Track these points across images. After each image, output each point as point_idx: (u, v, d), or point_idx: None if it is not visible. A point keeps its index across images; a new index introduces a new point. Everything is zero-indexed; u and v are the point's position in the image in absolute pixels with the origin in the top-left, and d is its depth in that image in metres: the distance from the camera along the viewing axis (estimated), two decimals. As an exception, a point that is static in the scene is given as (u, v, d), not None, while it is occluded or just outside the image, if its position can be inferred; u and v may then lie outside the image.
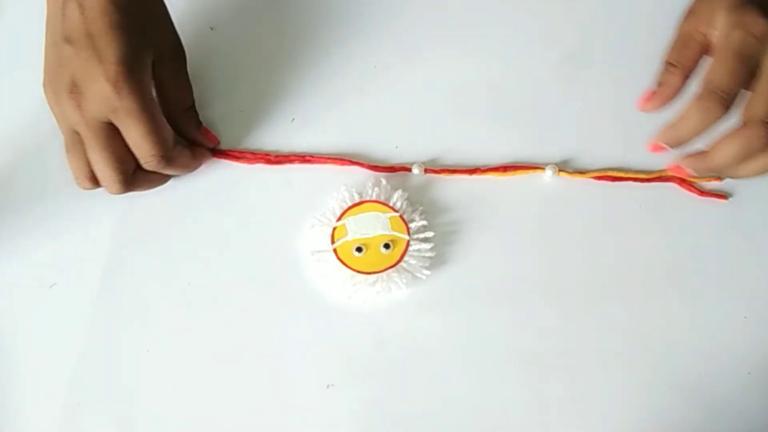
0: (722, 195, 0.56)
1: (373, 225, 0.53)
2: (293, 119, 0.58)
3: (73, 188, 0.56)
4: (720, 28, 0.45)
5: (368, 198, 0.54)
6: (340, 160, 0.56)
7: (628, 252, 0.55)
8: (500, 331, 0.53)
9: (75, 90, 0.48)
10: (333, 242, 0.53)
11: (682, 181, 0.56)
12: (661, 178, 0.56)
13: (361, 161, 0.56)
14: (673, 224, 0.56)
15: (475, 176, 0.56)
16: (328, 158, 0.56)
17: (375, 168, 0.56)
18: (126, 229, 0.55)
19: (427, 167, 0.56)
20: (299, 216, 0.55)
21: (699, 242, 0.55)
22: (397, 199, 0.54)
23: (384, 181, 0.55)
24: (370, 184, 0.55)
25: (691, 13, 0.47)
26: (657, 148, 0.48)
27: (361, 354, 0.52)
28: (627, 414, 0.51)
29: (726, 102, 0.44)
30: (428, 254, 0.54)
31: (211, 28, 0.61)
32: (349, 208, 0.54)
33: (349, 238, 0.53)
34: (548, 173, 0.56)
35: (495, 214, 0.56)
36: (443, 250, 0.55)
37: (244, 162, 0.57)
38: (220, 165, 0.57)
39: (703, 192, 0.56)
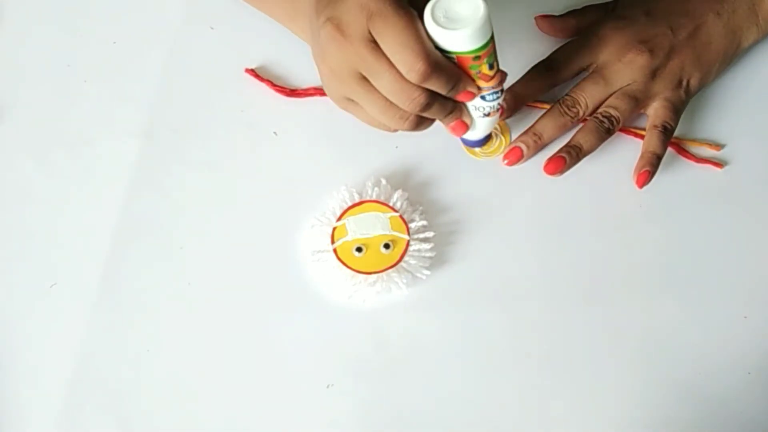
0: (717, 163, 0.57)
1: (373, 225, 0.53)
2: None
3: (73, 188, 0.56)
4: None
5: (368, 198, 0.54)
6: None
7: (627, 251, 0.55)
8: (500, 330, 0.53)
9: (332, 18, 0.44)
10: (333, 242, 0.53)
11: (679, 148, 0.57)
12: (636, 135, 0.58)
13: None
14: (672, 215, 0.56)
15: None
16: None
17: None
18: (126, 229, 0.55)
19: None
20: (299, 216, 0.55)
21: (696, 229, 0.56)
22: (397, 199, 0.54)
23: (384, 181, 0.55)
24: (370, 184, 0.55)
25: None
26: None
27: (360, 354, 0.52)
28: (627, 413, 0.51)
29: (552, 69, 0.57)
30: (428, 254, 0.54)
31: (211, 28, 0.61)
32: (349, 208, 0.54)
33: (349, 238, 0.53)
34: None
35: (495, 214, 0.56)
36: (443, 250, 0.55)
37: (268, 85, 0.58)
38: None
39: (699, 159, 0.57)
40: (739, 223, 0.56)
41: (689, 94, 0.56)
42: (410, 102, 0.45)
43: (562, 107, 0.56)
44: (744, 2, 0.57)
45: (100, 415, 0.51)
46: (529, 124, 0.57)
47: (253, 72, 0.59)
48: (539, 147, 0.56)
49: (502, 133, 0.57)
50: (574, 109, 0.55)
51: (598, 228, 0.56)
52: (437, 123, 0.49)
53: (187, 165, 0.57)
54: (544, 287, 0.54)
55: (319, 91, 0.58)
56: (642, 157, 0.55)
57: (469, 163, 0.57)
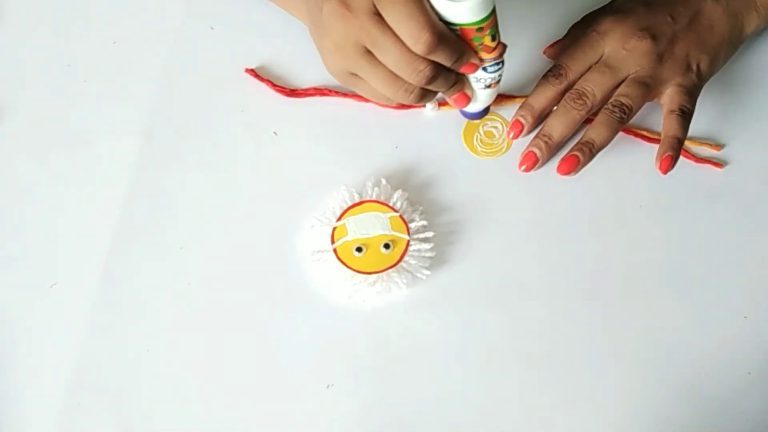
0: (717, 163, 0.57)
1: (373, 225, 0.53)
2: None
3: (73, 188, 0.56)
4: None
5: (368, 198, 0.54)
6: (357, 96, 0.57)
7: (627, 251, 0.55)
8: (500, 330, 0.53)
9: None
10: (333, 242, 0.53)
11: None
12: (649, 139, 0.57)
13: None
14: (672, 215, 0.56)
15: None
16: (346, 94, 0.57)
17: (391, 105, 0.56)
18: (126, 229, 0.55)
19: (440, 101, 0.56)
20: (299, 216, 0.55)
21: (696, 229, 0.56)
22: (397, 199, 0.54)
23: (384, 181, 0.55)
24: (370, 184, 0.55)
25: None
26: (516, 126, 0.56)
27: (360, 354, 0.52)
28: (627, 413, 0.51)
29: (561, 74, 0.56)
30: (428, 254, 0.54)
31: (211, 28, 0.61)
32: (349, 208, 0.54)
33: (349, 238, 0.53)
34: (553, 108, 0.57)
35: (495, 214, 0.56)
36: (443, 250, 0.55)
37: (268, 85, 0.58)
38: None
39: (699, 159, 0.57)
40: (739, 223, 0.56)
41: (702, 78, 0.56)
42: (416, 74, 0.45)
43: (568, 103, 0.55)
44: None
45: (100, 415, 0.51)
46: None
47: (253, 72, 0.59)
48: (552, 148, 0.56)
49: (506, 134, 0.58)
50: (581, 101, 0.54)
51: (598, 228, 0.56)
52: (440, 119, 0.49)
53: (187, 165, 0.57)
54: (544, 287, 0.54)
55: (319, 91, 0.58)
56: (663, 142, 0.54)
57: (469, 163, 0.57)
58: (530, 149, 0.56)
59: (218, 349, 0.53)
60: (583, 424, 0.51)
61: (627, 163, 0.57)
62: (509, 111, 0.58)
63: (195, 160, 0.57)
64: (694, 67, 0.55)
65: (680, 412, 0.52)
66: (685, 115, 0.54)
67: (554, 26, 0.60)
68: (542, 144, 0.55)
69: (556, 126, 0.55)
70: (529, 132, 0.57)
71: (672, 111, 0.54)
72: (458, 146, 0.57)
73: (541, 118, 0.56)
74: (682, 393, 0.52)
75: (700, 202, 0.56)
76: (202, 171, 0.57)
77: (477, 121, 0.58)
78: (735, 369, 0.52)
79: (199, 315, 0.53)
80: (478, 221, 0.56)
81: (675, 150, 0.53)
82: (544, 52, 0.59)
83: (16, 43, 0.60)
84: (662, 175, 0.53)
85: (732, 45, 0.57)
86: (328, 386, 0.52)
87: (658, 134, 0.55)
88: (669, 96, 0.55)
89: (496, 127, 0.58)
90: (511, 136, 0.56)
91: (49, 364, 0.52)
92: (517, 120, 0.56)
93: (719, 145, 0.58)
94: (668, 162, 0.53)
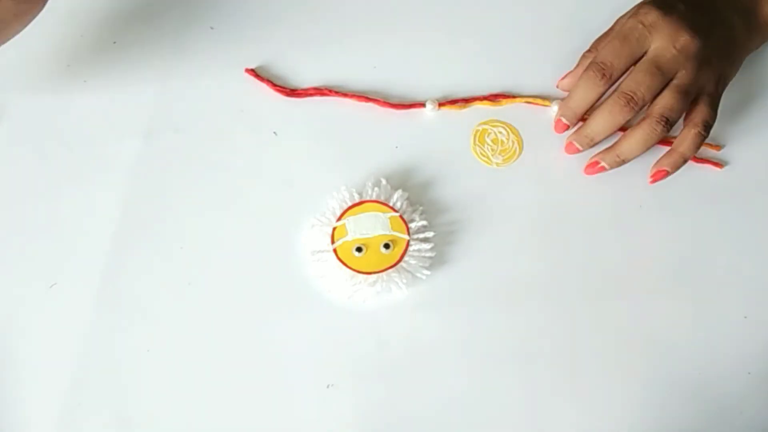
0: (717, 163, 0.57)
1: (373, 225, 0.53)
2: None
3: (73, 188, 0.56)
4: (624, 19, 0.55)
5: (368, 198, 0.54)
6: (357, 96, 0.58)
7: (627, 250, 0.55)
8: (500, 330, 0.53)
9: None
10: (333, 242, 0.53)
11: None
12: (662, 142, 0.56)
13: (377, 98, 0.58)
14: (672, 215, 0.56)
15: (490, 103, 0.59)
16: (346, 94, 0.58)
17: (391, 105, 0.57)
18: (126, 229, 0.55)
19: (440, 101, 0.57)
20: (299, 216, 0.55)
21: (696, 229, 0.56)
22: (397, 199, 0.54)
23: (384, 181, 0.55)
24: (370, 184, 0.55)
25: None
26: (560, 126, 0.56)
27: (361, 354, 0.52)
28: (627, 414, 0.51)
29: (605, 74, 0.52)
30: (428, 254, 0.54)
31: (211, 28, 0.61)
32: (349, 208, 0.54)
33: (349, 238, 0.53)
34: (553, 108, 0.57)
35: (495, 214, 0.56)
36: (443, 250, 0.55)
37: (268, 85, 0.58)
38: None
39: (698, 159, 0.57)
40: (739, 223, 0.56)
41: (721, 90, 0.55)
42: None
43: (616, 106, 0.52)
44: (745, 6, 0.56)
45: (100, 415, 0.51)
46: (544, 130, 0.57)
47: (253, 72, 0.59)
48: (592, 147, 0.55)
49: (516, 141, 0.57)
50: (629, 107, 0.52)
51: (597, 228, 0.56)
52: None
53: (187, 165, 0.57)
54: (543, 287, 0.54)
55: (319, 91, 0.58)
56: (669, 154, 0.53)
57: (469, 163, 0.57)
58: (572, 141, 0.55)
59: (218, 349, 0.53)
60: (584, 424, 0.51)
61: (627, 164, 0.57)
62: (509, 111, 0.58)
63: (195, 160, 0.57)
64: (723, 79, 0.54)
65: (680, 412, 0.52)
66: (706, 132, 0.53)
67: (553, 26, 0.60)
68: (585, 141, 0.55)
69: (600, 128, 0.54)
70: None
71: (696, 124, 0.53)
72: (459, 146, 0.58)
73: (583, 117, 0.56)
74: (681, 393, 0.52)
75: (700, 202, 0.56)
76: (202, 171, 0.57)
77: (481, 130, 0.57)
78: (735, 369, 0.52)
79: (199, 315, 0.53)
80: (478, 221, 0.56)
81: (675, 167, 0.53)
82: (558, 85, 0.58)
83: (16, 43, 0.60)
84: (649, 184, 0.54)
85: (741, 60, 0.57)
86: (328, 386, 0.52)
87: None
88: (698, 104, 0.53)
89: (501, 132, 0.58)
90: (557, 130, 0.56)
91: (49, 364, 0.52)
92: (560, 120, 0.56)
93: (719, 145, 0.58)
94: (662, 176, 0.54)
